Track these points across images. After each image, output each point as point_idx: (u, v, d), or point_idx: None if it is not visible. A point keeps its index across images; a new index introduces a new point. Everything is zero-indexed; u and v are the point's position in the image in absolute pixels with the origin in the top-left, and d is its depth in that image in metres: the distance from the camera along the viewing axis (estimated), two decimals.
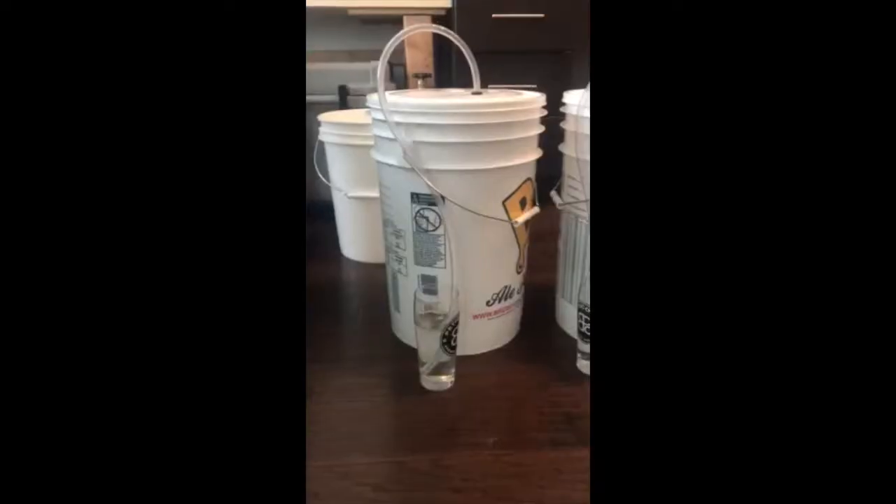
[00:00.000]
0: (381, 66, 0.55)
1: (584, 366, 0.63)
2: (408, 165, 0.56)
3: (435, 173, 0.57)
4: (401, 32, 0.55)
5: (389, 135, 0.57)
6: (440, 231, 0.60)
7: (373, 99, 0.59)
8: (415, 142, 0.56)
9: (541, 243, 0.83)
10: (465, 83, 0.71)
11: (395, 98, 0.57)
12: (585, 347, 0.62)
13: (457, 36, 0.63)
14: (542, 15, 1.17)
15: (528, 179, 0.63)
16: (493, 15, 1.16)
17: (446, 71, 1.30)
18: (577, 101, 0.59)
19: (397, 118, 0.56)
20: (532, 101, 0.60)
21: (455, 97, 0.60)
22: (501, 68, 1.19)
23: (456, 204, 0.58)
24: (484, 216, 0.59)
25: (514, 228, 0.63)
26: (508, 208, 0.61)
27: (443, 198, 0.57)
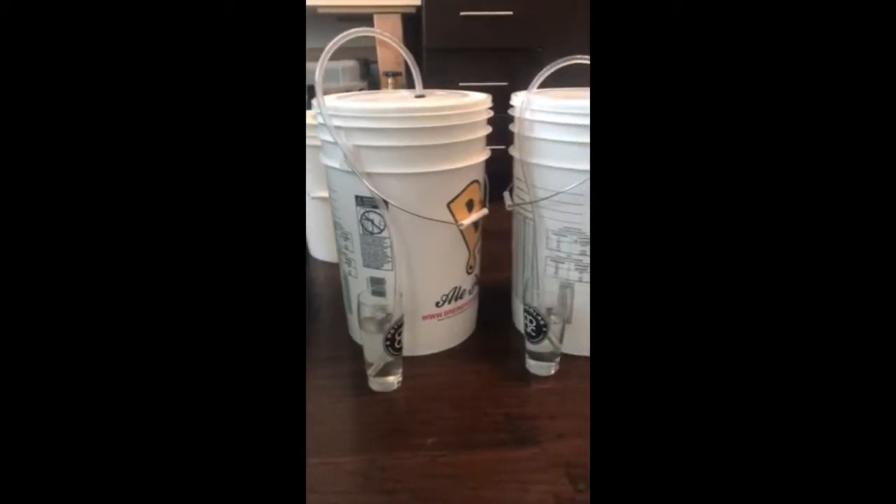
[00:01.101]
0: (319, 69, 0.55)
1: (532, 366, 0.64)
2: (350, 169, 0.57)
3: (377, 177, 0.57)
4: (337, 38, 0.55)
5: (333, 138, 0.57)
6: (385, 234, 0.60)
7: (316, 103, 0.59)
8: (356, 146, 0.57)
9: (503, 241, 0.83)
10: (437, 80, 0.71)
11: (336, 102, 0.58)
12: (532, 347, 0.63)
13: (396, 39, 0.64)
14: (510, 13, 1.17)
15: (475, 181, 0.64)
16: (462, 13, 1.16)
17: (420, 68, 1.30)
18: (519, 104, 0.59)
19: (338, 122, 0.56)
20: (477, 103, 0.60)
21: (396, 101, 0.60)
22: (471, 66, 1.19)
23: (399, 208, 0.58)
24: (428, 219, 0.59)
25: (461, 231, 0.63)
26: (454, 210, 0.62)
27: (385, 202, 0.58)
